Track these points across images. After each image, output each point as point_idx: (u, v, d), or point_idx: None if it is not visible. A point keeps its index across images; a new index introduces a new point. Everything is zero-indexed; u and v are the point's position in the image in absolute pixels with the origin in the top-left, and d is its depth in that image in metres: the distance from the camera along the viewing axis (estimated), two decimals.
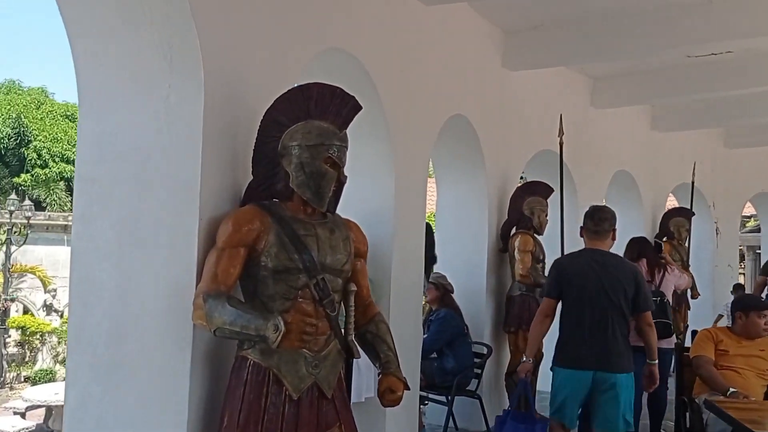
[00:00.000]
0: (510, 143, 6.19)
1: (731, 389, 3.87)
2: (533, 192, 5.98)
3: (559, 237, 5.95)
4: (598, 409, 3.78)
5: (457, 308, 5.69)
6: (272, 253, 2.44)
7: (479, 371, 5.68)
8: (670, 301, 5.40)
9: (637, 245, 5.51)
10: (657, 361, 3.97)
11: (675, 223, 8.23)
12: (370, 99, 3.99)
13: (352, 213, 2.98)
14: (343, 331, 2.62)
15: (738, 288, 10.08)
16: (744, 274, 17.76)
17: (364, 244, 2.74)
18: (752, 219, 16.98)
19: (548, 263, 5.91)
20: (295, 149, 2.56)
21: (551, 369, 3.92)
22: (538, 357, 5.31)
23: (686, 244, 8.29)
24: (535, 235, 5.90)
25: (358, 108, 2.65)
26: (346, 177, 2.62)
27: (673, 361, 4.95)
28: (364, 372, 4.00)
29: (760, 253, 19.34)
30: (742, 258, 16.61)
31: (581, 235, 4.09)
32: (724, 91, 7.26)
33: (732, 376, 4.04)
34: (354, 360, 2.66)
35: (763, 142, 9.99)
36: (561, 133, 6.03)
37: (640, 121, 8.54)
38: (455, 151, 5.81)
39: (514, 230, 5.96)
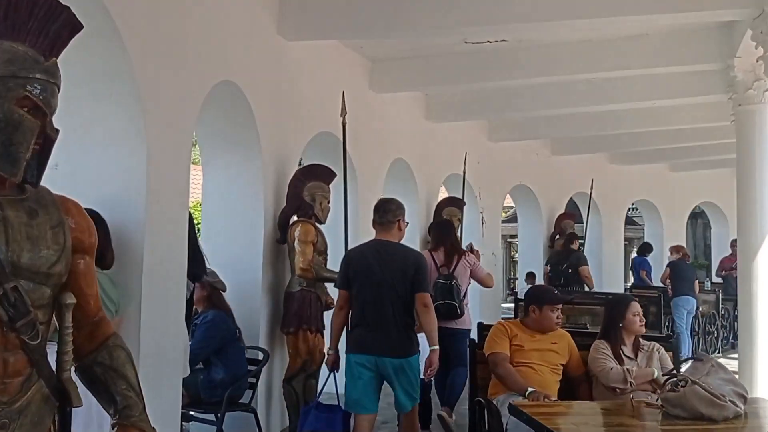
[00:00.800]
0: (289, 121, 5.53)
1: (530, 388, 3.61)
2: (315, 176, 5.38)
3: (343, 226, 5.42)
4: (392, 391, 4.04)
5: (227, 309, 4.92)
6: None
7: (254, 380, 4.95)
8: (461, 286, 5.57)
9: (437, 231, 5.88)
10: (437, 347, 4.13)
11: (448, 212, 8.28)
12: (109, 41, 3.02)
13: (84, 195, 2.08)
14: (54, 366, 1.72)
15: (531, 276, 10.60)
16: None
17: (89, 234, 1.83)
18: (502, 211, 18.34)
19: (331, 255, 5.41)
20: None
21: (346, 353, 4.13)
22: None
23: (458, 233, 8.37)
24: (317, 224, 5.32)
25: (76, 26, 1.74)
26: (56, 131, 1.70)
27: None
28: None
29: (510, 242, 21.14)
30: None
31: (373, 227, 4.22)
32: (496, 80, 7.32)
33: (529, 373, 3.79)
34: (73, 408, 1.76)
35: (521, 136, 10.54)
36: (344, 112, 5.50)
37: (416, 109, 8.41)
38: (226, 127, 5.01)
39: (293, 219, 5.32)
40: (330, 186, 5.47)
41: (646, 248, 11.92)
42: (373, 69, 7.09)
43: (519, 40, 6.42)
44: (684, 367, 3.66)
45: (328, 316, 5.43)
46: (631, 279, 17.47)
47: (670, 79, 7.33)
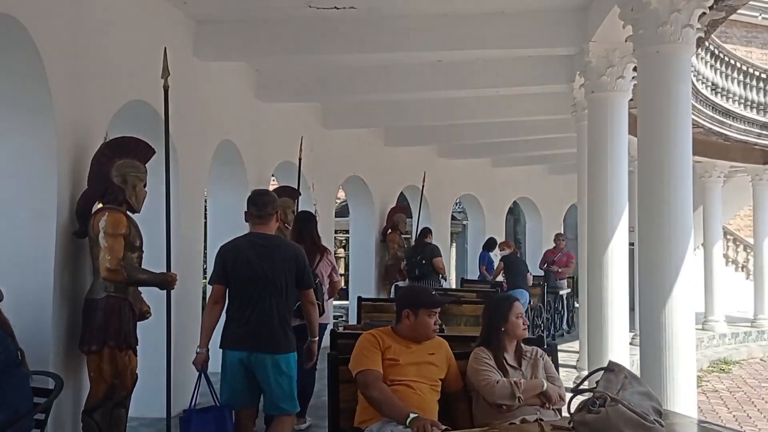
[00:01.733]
0: (93, 81, 4.42)
1: (412, 414, 2.93)
2: (127, 152, 4.31)
3: (164, 216, 4.41)
4: (263, 389, 3.95)
5: (5, 324, 3.70)
6: None
7: (42, 416, 3.79)
8: (324, 285, 5.31)
9: (297, 225, 5.52)
10: (317, 338, 4.26)
11: (281, 204, 7.41)
12: None
13: None
14: None
15: (399, 273, 10.19)
16: None
17: None
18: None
19: (148, 252, 4.40)
20: None
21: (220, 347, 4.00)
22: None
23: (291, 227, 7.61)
24: (129, 212, 4.26)
25: None
26: None
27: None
28: None
29: (335, 237, 20.69)
30: None
31: (246, 220, 4.10)
32: (338, 54, 6.59)
33: (407, 393, 3.11)
34: None
35: (356, 124, 9.96)
36: (166, 72, 4.47)
37: (245, 86, 7.46)
38: (4, 81, 3.78)
39: (98, 206, 4.25)
40: (146, 165, 4.42)
41: (491, 243, 12.00)
42: (199, 31, 6.03)
43: (369, 8, 5.76)
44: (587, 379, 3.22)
45: (143, 327, 4.43)
46: (454, 273, 18.01)
47: (516, 66, 7.10)
